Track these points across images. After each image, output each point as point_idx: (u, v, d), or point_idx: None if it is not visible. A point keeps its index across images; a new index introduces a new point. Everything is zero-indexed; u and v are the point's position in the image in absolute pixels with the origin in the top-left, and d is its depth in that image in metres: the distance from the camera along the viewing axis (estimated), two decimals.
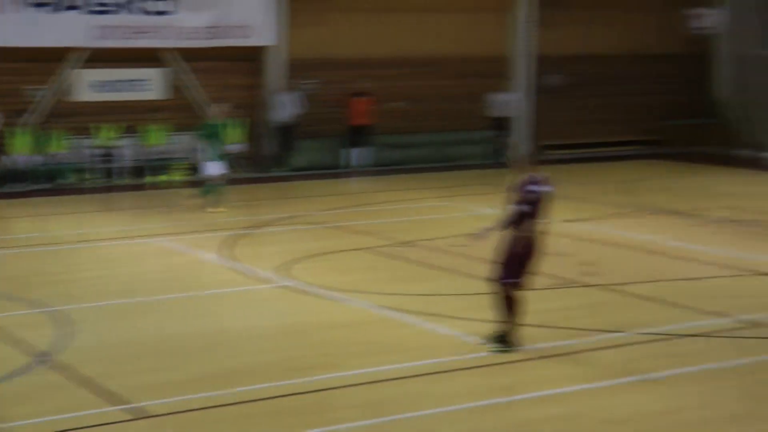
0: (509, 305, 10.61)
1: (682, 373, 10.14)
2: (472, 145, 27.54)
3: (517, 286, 10.57)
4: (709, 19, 29.69)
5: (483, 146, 27.53)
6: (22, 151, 23.06)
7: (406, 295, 13.10)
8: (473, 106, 27.34)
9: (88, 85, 23.81)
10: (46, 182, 23.22)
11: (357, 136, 26.11)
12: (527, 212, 10.43)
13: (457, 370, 10.22)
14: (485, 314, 11.30)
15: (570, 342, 11.18)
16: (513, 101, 27.75)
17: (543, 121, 28.65)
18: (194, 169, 21.96)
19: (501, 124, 27.49)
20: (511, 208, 10.52)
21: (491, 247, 10.86)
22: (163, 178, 23.99)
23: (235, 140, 23.89)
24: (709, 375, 10.15)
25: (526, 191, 10.44)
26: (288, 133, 25.59)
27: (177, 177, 23.90)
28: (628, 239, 17.23)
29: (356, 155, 26.19)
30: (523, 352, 10.68)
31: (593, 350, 10.97)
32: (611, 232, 17.80)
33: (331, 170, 25.70)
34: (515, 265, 10.50)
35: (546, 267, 11.39)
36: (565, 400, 9.39)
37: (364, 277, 14.34)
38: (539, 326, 11.41)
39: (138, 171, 24.11)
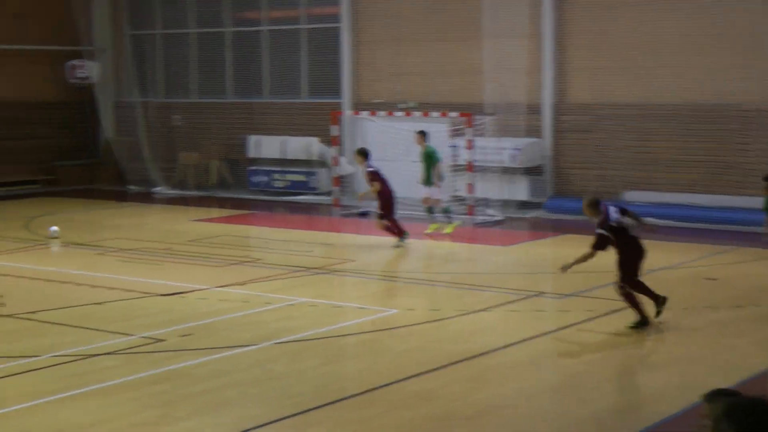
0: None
1: (103, 388, 10.97)
2: None
3: None
4: (86, 70, 31.79)
5: None
6: None
7: None
8: None
9: None
10: None
11: None
12: None
13: None
14: None
15: None
16: None
17: None
18: None
19: None
20: None
21: None
22: None
23: None
24: (126, 387, 11.06)
25: None
26: None
27: None
28: (36, 271, 17.83)
29: None
30: None
31: (11, 376, 11.49)
32: (18, 266, 18.26)
33: None
34: None
35: None
36: None
37: None
38: None
39: None
